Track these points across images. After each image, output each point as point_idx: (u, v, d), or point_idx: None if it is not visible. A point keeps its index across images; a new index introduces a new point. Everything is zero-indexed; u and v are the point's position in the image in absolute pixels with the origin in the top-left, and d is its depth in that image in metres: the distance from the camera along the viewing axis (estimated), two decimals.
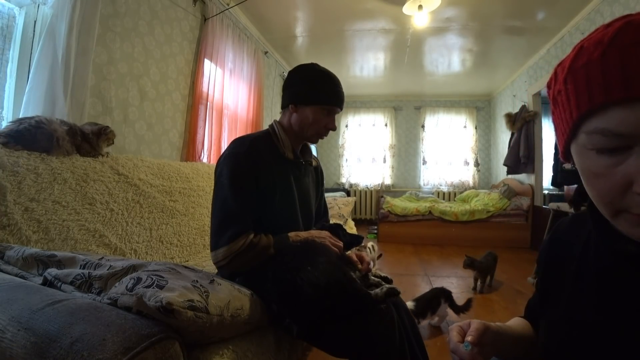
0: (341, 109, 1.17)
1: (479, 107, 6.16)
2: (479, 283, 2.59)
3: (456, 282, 2.86)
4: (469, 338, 0.50)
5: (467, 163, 6.07)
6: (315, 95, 1.11)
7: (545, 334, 0.54)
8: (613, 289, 0.44)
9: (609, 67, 0.35)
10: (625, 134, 0.35)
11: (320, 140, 1.22)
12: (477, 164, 6.04)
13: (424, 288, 2.68)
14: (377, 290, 0.94)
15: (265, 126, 1.38)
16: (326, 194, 1.50)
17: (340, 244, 1.12)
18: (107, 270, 0.76)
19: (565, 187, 3.08)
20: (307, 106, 1.12)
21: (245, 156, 1.04)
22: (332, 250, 1.06)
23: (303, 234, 1.09)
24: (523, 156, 4.17)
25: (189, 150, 2.52)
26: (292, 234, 1.08)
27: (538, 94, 4.18)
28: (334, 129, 1.17)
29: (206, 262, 1.60)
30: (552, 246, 0.59)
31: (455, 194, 5.90)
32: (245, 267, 1.00)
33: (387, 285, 0.96)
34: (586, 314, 0.47)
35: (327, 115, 1.14)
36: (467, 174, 6.06)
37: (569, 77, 0.39)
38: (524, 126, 4.20)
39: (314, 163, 1.29)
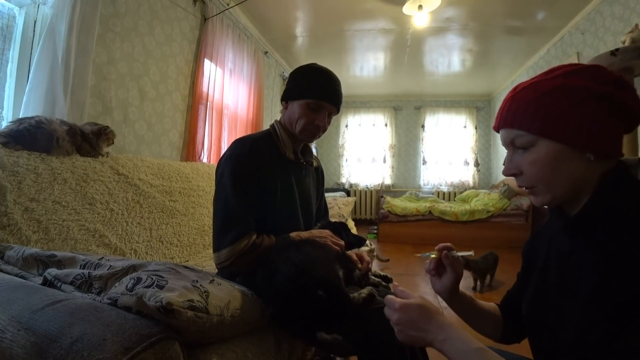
0: (334, 106, 1.11)
1: (479, 107, 6.16)
2: (478, 283, 2.59)
3: None
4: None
5: (467, 163, 6.07)
6: (301, 90, 1.08)
7: (524, 309, 0.66)
8: (565, 258, 0.57)
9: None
10: (504, 144, 0.63)
11: (320, 140, 1.21)
12: (477, 164, 6.04)
13: (424, 288, 2.68)
14: (356, 294, 0.89)
15: (265, 126, 1.38)
16: (326, 194, 1.49)
17: (342, 242, 1.11)
18: (107, 270, 0.76)
19: None
20: (295, 101, 1.10)
21: (246, 157, 1.04)
22: (332, 249, 1.06)
23: (305, 234, 1.09)
24: None
25: (189, 150, 2.52)
26: (293, 234, 1.07)
27: None
28: (323, 126, 1.10)
29: (206, 262, 1.60)
30: (533, 238, 0.71)
31: (455, 194, 5.89)
32: (248, 268, 1.00)
33: (367, 291, 0.90)
34: (549, 281, 0.59)
35: (315, 110, 1.08)
36: (467, 174, 6.06)
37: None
38: None
39: (314, 163, 1.29)
